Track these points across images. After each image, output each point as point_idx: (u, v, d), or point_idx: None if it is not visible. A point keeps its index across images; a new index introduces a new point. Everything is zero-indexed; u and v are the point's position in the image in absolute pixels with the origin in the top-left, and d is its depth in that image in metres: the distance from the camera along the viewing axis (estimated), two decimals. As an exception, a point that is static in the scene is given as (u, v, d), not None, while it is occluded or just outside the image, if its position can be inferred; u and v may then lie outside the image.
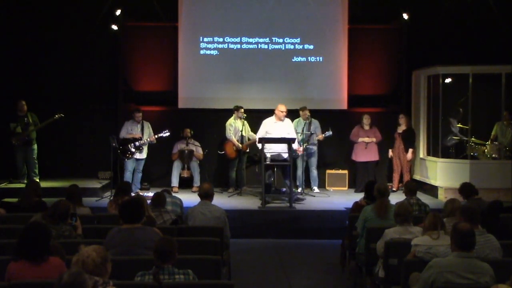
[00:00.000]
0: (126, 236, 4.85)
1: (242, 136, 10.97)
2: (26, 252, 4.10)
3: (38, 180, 10.00)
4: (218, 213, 6.43)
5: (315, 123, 11.09)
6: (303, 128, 10.78)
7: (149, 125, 11.03)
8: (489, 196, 8.37)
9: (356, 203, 7.29)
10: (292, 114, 10.70)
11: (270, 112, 11.14)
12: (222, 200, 9.88)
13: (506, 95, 10.69)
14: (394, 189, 10.93)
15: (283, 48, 11.95)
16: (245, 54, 11.93)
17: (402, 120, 11.18)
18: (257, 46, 11.92)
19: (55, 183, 10.58)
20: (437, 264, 4.30)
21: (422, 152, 11.54)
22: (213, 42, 11.92)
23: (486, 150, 10.85)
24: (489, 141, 10.95)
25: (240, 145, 10.95)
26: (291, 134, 9.92)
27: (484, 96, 11.26)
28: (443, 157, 10.92)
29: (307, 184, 11.33)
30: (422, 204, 7.05)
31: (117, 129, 11.10)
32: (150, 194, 8.99)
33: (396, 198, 7.74)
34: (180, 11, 11.87)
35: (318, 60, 11.97)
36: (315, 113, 11.25)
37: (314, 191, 11.19)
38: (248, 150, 11.32)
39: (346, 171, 11.80)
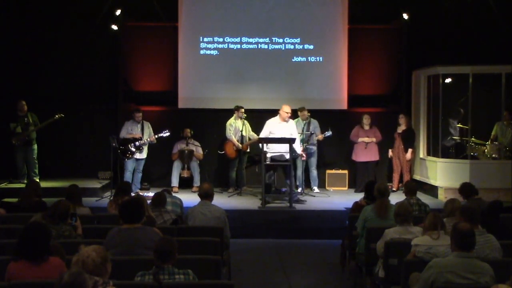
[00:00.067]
0: (126, 236, 4.85)
1: (242, 136, 10.97)
2: (26, 252, 4.10)
3: (38, 180, 10.00)
4: (218, 213, 6.43)
5: (314, 123, 11.09)
6: (303, 128, 10.78)
7: (149, 125, 11.03)
8: (489, 196, 8.37)
9: (356, 203, 7.28)
10: (292, 114, 10.68)
11: (270, 112, 11.14)
12: (222, 200, 9.88)
13: (506, 95, 10.68)
14: (394, 189, 10.93)
15: (283, 48, 11.95)
16: (245, 54, 11.93)
17: (402, 120, 11.18)
18: (257, 46, 11.92)
19: (55, 183, 10.57)
20: (437, 264, 4.30)
21: (422, 152, 11.54)
22: (213, 42, 11.92)
23: (486, 150, 10.85)
24: (489, 141, 10.95)
25: (240, 145, 10.95)
26: (294, 136, 9.91)
27: (484, 96, 11.26)
28: (443, 157, 10.93)
29: (307, 184, 11.33)
30: (422, 204, 7.04)
31: (117, 129, 11.10)
32: (150, 194, 8.99)
33: (396, 198, 7.74)
34: (180, 11, 11.87)
35: (318, 60, 11.97)
36: (315, 113, 11.25)
37: (314, 191, 11.20)
38: (248, 150, 11.32)
39: (346, 171, 11.80)
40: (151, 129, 10.99)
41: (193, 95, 11.95)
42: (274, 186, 10.33)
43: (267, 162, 9.76)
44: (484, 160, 10.74)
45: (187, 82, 11.92)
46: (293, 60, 11.95)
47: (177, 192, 10.36)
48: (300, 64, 11.96)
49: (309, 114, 11.03)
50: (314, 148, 11.16)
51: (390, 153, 11.31)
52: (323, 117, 11.49)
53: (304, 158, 10.54)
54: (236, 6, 11.96)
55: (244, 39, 11.91)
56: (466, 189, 6.83)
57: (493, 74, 10.84)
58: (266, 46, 11.92)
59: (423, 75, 11.50)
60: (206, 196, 6.52)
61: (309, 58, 11.96)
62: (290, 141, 9.33)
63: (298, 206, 9.67)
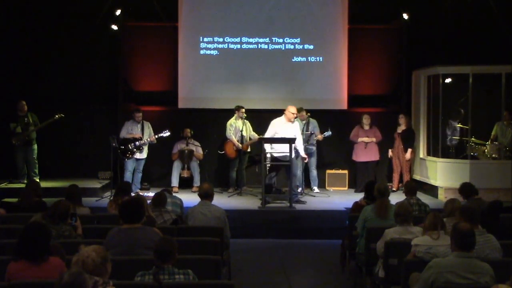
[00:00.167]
0: (126, 236, 4.85)
1: (242, 136, 10.97)
2: (26, 252, 4.10)
3: (38, 180, 10.01)
4: (218, 213, 6.43)
5: (313, 123, 11.09)
6: (302, 128, 10.75)
7: (149, 125, 11.03)
8: (489, 196, 8.38)
9: (356, 203, 7.28)
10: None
11: (269, 112, 11.16)
12: (222, 200, 9.88)
13: (506, 95, 10.68)
14: (394, 189, 10.93)
15: (283, 48, 11.95)
16: (245, 54, 11.93)
17: (402, 120, 11.17)
18: (257, 46, 11.92)
19: (55, 183, 10.57)
20: (437, 264, 4.30)
21: (422, 152, 11.54)
22: (213, 42, 11.92)
23: (486, 150, 10.85)
24: (489, 141, 10.95)
25: (240, 145, 10.95)
26: (298, 137, 9.92)
27: (484, 96, 11.26)
28: (443, 157, 10.93)
29: (307, 184, 11.33)
30: (422, 204, 7.04)
31: (117, 129, 11.10)
32: (150, 194, 9.00)
33: (396, 198, 7.74)
34: (180, 11, 11.87)
35: (318, 60, 11.97)
36: (315, 113, 11.25)
37: (314, 191, 11.20)
38: (249, 150, 11.33)
39: (346, 171, 11.80)
40: (151, 129, 10.99)
41: (193, 95, 11.95)
42: (275, 187, 10.33)
43: (270, 163, 9.77)
44: (484, 160, 10.74)
45: (187, 82, 11.92)
46: (293, 60, 11.95)
47: (177, 192, 10.35)
48: (300, 64, 11.96)
49: (308, 114, 11.03)
50: (314, 148, 11.16)
51: (390, 153, 11.31)
52: (323, 117, 11.50)
53: (306, 160, 10.54)
54: (236, 6, 11.96)
55: (244, 39, 11.91)
56: (466, 189, 6.83)
57: (493, 74, 10.83)
58: (266, 46, 11.92)
59: (423, 75, 11.49)
60: (206, 196, 6.52)
61: (309, 58, 11.95)
62: (290, 141, 9.32)
63: (298, 206, 9.67)
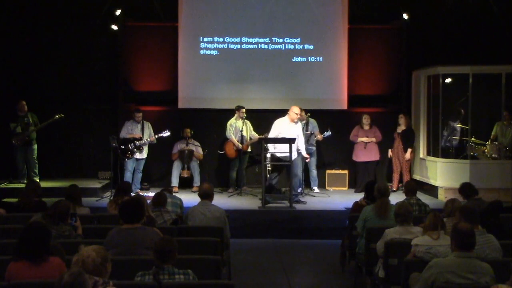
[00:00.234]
0: (126, 236, 4.86)
1: (242, 136, 10.97)
2: (26, 252, 4.10)
3: (38, 180, 10.01)
4: (218, 213, 6.43)
5: (313, 123, 11.09)
6: (302, 128, 10.75)
7: (150, 125, 11.03)
8: (489, 196, 8.37)
9: (356, 203, 7.28)
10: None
11: (269, 112, 11.17)
12: (222, 200, 9.88)
13: (506, 95, 10.68)
14: (394, 189, 10.93)
15: (283, 48, 11.94)
16: (245, 54, 11.92)
17: (401, 120, 11.17)
18: (257, 46, 11.92)
19: (55, 183, 10.58)
20: (437, 264, 4.30)
21: (422, 152, 11.54)
22: (213, 42, 11.91)
23: (486, 150, 10.85)
24: (489, 141, 10.95)
25: (240, 145, 10.95)
26: (300, 137, 9.93)
27: (484, 96, 11.26)
28: (443, 157, 10.92)
29: (307, 184, 11.33)
30: (422, 204, 7.04)
31: (117, 129, 11.10)
32: (150, 194, 9.00)
33: (396, 198, 7.74)
34: (180, 11, 11.87)
35: (318, 60, 11.97)
36: (315, 113, 11.25)
37: (314, 191, 11.20)
38: (249, 150, 11.33)
39: (346, 171, 11.81)
40: (151, 129, 10.99)
41: (193, 95, 11.95)
42: (276, 187, 10.32)
43: (270, 163, 9.77)
44: (484, 160, 10.74)
45: (187, 82, 11.91)
46: (293, 60, 11.95)
47: (177, 192, 10.34)
48: (300, 64, 11.96)
49: (308, 114, 11.03)
50: (314, 148, 11.16)
51: (389, 153, 11.31)
52: (323, 117, 11.50)
53: (308, 160, 10.55)
54: (236, 6, 11.96)
55: (244, 39, 11.91)
56: (466, 189, 6.84)
57: (493, 74, 10.83)
58: (266, 46, 11.92)
59: (423, 75, 11.49)
60: (206, 196, 6.52)
61: (309, 58, 11.95)
62: (290, 141, 9.32)
63: (298, 206, 9.68)
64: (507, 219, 6.11)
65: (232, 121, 11.10)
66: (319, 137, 11.00)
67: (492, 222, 5.60)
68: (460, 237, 4.27)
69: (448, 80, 11.17)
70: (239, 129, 11.00)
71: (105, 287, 3.55)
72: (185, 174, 11.16)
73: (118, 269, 4.10)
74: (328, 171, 11.84)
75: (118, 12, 11.46)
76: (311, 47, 11.94)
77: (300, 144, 9.86)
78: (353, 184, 11.65)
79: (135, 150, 10.71)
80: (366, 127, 11.24)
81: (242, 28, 11.91)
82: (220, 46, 11.91)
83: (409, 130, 11.16)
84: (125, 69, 12.01)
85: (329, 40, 11.96)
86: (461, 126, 11.24)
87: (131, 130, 10.85)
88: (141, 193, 9.53)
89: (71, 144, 11.83)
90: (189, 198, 9.48)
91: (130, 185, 8.07)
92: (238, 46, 11.92)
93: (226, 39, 11.91)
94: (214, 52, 11.93)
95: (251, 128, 11.22)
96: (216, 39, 11.90)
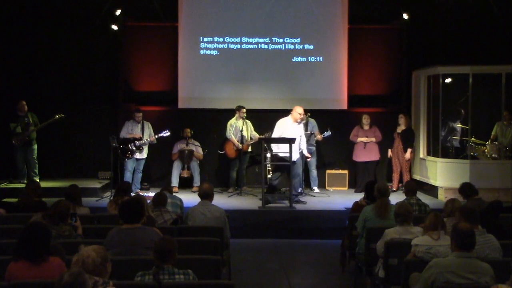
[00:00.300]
0: (126, 236, 4.86)
1: (242, 136, 10.97)
2: (26, 252, 4.10)
3: (38, 180, 10.01)
4: (218, 213, 6.43)
5: (312, 123, 11.09)
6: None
7: (150, 125, 11.03)
8: (489, 196, 8.38)
9: (356, 203, 7.28)
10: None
11: (269, 112, 11.17)
12: (222, 200, 9.88)
13: (506, 95, 10.68)
14: (394, 189, 10.92)
15: (283, 48, 11.94)
16: (245, 54, 11.92)
17: (401, 120, 11.17)
18: (257, 46, 11.92)
19: (55, 183, 10.58)
20: (437, 264, 4.30)
21: (422, 152, 11.54)
22: (213, 42, 11.91)
23: (486, 150, 10.85)
24: (489, 141, 10.95)
25: (240, 145, 10.95)
26: (303, 138, 9.93)
27: (484, 96, 11.26)
28: (443, 157, 10.92)
29: (307, 184, 11.33)
30: (422, 204, 7.05)
31: (117, 129, 11.10)
32: (150, 194, 9.00)
33: (396, 198, 7.75)
34: (180, 11, 11.87)
35: (318, 60, 11.97)
36: (315, 113, 11.25)
37: (314, 191, 11.20)
38: (250, 150, 11.33)
39: (346, 171, 11.80)
40: (151, 129, 10.99)
41: (193, 95, 11.95)
42: (278, 188, 10.32)
43: (270, 163, 9.76)
44: (484, 160, 10.74)
45: (187, 82, 11.91)
46: (293, 60, 11.95)
47: (177, 192, 10.34)
48: (300, 64, 11.96)
49: (308, 114, 11.03)
50: (314, 148, 11.16)
51: (389, 153, 11.31)
52: (323, 117, 11.50)
53: (309, 159, 10.56)
54: (236, 6, 11.95)
55: (244, 39, 11.91)
56: (466, 189, 6.84)
57: (493, 74, 10.83)
58: (266, 46, 11.92)
59: (423, 75, 11.49)
60: (206, 196, 6.52)
61: (309, 58, 11.95)
62: (290, 141, 9.32)
63: (298, 206, 9.67)
64: (507, 219, 6.11)
65: (232, 121, 11.10)
66: (319, 137, 11.00)
67: (492, 222, 5.60)
68: (460, 237, 4.27)
69: (448, 80, 11.16)
70: (239, 129, 10.99)
71: (105, 287, 3.55)
72: (185, 174, 11.16)
73: (118, 269, 4.10)
74: (328, 171, 11.84)
75: (118, 12, 11.46)
76: (311, 47, 11.94)
77: (303, 144, 9.90)
78: (353, 184, 11.65)
79: (135, 150, 10.71)
80: (366, 127, 11.24)
81: (242, 28, 11.91)
82: (220, 46, 11.91)
83: (409, 130, 11.16)
84: (125, 69, 12.01)
85: (329, 40, 11.96)
86: (461, 126, 11.24)
87: (131, 130, 10.85)
88: (141, 193, 9.53)
89: (71, 144, 11.83)
90: (189, 198, 9.48)
91: (130, 185, 8.08)
92: (238, 46, 11.91)
93: (226, 39, 11.91)
94: (214, 52, 11.92)
95: (252, 128, 11.22)
96: (216, 39, 11.90)
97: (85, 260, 3.58)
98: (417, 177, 11.47)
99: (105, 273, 3.65)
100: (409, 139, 11.08)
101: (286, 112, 10.16)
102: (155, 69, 12.07)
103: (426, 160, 11.34)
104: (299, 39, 11.92)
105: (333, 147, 11.92)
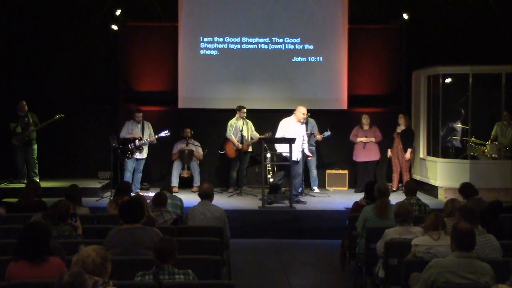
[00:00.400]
0: (126, 236, 4.86)
1: (242, 136, 10.97)
2: (26, 252, 4.10)
3: (38, 180, 10.01)
4: (218, 213, 6.43)
5: (312, 123, 11.08)
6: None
7: (150, 125, 11.03)
8: (489, 196, 8.38)
9: (356, 203, 7.28)
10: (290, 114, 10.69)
11: (269, 112, 11.16)
12: (222, 200, 9.88)
13: (506, 95, 10.68)
14: (394, 189, 10.92)
15: (283, 48, 11.94)
16: (245, 54, 11.92)
17: (401, 120, 11.17)
18: (257, 46, 11.92)
19: (55, 183, 10.58)
20: (437, 264, 4.30)
21: (422, 152, 11.54)
22: (213, 42, 11.91)
23: (486, 150, 10.85)
24: (489, 141, 10.95)
25: (240, 145, 10.95)
26: (305, 138, 9.93)
27: (484, 96, 11.26)
28: (443, 157, 10.92)
29: (307, 184, 11.32)
30: (422, 204, 7.04)
31: (117, 129, 11.10)
32: (150, 194, 9.00)
33: (396, 198, 7.74)
34: (180, 11, 11.86)
35: (318, 60, 11.97)
36: (315, 113, 11.24)
37: (314, 191, 11.20)
38: (250, 150, 11.33)
39: (346, 171, 11.80)
40: (151, 129, 10.99)
41: (193, 95, 11.95)
42: (281, 187, 10.31)
43: (270, 163, 9.77)
44: (484, 160, 10.74)
45: (187, 82, 11.91)
46: (293, 60, 11.94)
47: (177, 192, 10.34)
48: (300, 64, 11.95)
49: (309, 114, 11.00)
50: (313, 148, 11.16)
51: (389, 153, 11.31)
52: (323, 117, 11.49)
53: (310, 158, 10.56)
54: (236, 6, 11.95)
55: (244, 39, 11.91)
56: (466, 189, 6.84)
57: (493, 74, 10.83)
58: (266, 46, 11.91)
59: (423, 75, 11.49)
60: (206, 196, 6.52)
61: (309, 58, 11.95)
62: (291, 141, 9.32)
63: (298, 206, 9.67)
64: (507, 219, 6.12)
65: (232, 121, 11.10)
66: (319, 137, 11.00)
67: (492, 222, 5.60)
68: (460, 237, 4.27)
69: (448, 80, 11.16)
70: (239, 129, 11.00)
71: (105, 287, 3.55)
72: (185, 174, 11.17)
73: (118, 269, 4.10)
74: (328, 171, 11.83)
75: (118, 12, 11.46)
76: (311, 47, 11.93)
77: (304, 143, 9.95)
78: (353, 184, 11.65)
79: (135, 150, 10.71)
80: (366, 127, 11.24)
81: (242, 28, 11.91)
82: (220, 46, 11.91)
83: (409, 130, 11.16)
84: (125, 69, 12.01)
85: (329, 40, 11.96)
86: (461, 126, 11.24)
87: (131, 130, 10.85)
88: (141, 193, 9.53)
89: (71, 144, 11.82)
90: (189, 198, 9.48)
91: (130, 185, 8.07)
92: (238, 46, 11.91)
93: (226, 39, 11.91)
94: (214, 52, 11.92)
95: (253, 128, 11.22)
96: (216, 39, 11.90)
97: (85, 260, 3.58)
98: (417, 177, 11.47)
99: (105, 273, 3.65)
100: (409, 139, 11.08)
101: (286, 112, 10.16)
102: (155, 69, 12.07)
103: (426, 160, 11.33)
104: (299, 39, 11.92)
105: (333, 147, 11.91)
